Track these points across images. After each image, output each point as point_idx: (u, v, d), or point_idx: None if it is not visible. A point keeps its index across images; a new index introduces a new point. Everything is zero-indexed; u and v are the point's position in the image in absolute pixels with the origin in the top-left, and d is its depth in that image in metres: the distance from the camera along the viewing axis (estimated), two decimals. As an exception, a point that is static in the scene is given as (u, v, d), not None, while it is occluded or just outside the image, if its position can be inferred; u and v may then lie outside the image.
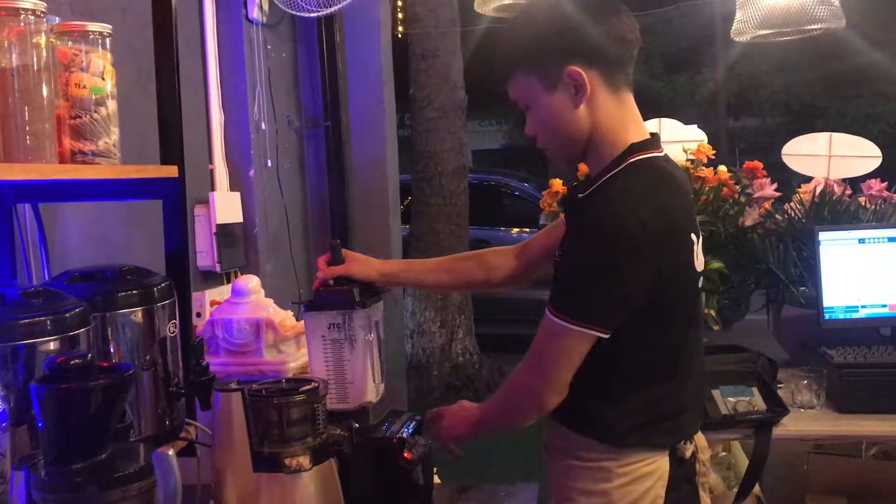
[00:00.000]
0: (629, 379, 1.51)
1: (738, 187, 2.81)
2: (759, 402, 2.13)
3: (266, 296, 1.95)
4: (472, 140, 10.75)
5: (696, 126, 2.99)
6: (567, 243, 1.48)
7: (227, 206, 3.14)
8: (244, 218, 3.26)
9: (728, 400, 2.13)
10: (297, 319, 1.91)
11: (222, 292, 2.87)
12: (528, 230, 7.87)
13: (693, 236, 1.50)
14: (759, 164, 2.88)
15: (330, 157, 3.85)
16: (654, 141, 1.54)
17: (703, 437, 1.65)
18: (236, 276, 2.69)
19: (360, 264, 1.82)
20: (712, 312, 2.64)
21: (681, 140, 2.87)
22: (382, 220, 4.14)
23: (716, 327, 2.64)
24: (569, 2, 1.50)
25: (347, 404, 1.73)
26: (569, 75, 1.47)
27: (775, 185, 2.80)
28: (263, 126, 3.40)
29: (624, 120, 1.52)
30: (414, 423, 1.77)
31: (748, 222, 2.72)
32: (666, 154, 1.57)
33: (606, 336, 1.44)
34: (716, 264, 2.63)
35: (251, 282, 1.92)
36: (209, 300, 2.76)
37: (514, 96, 1.56)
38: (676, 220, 1.48)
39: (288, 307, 1.97)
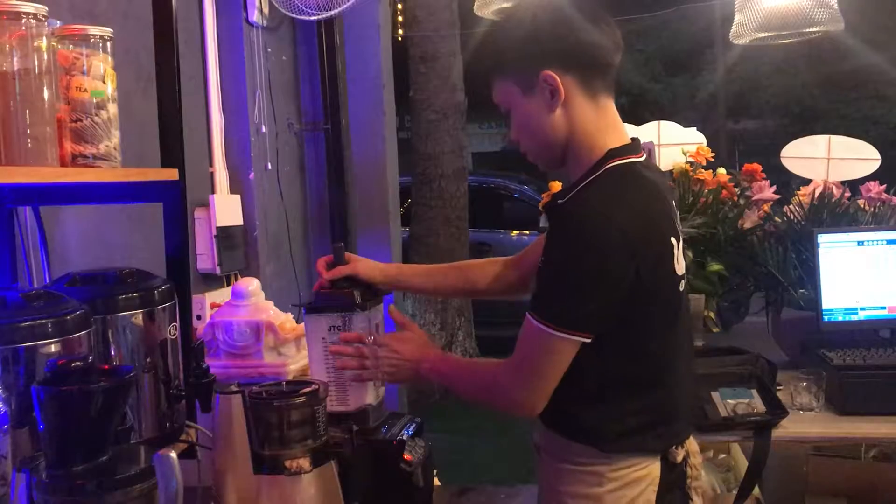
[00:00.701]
0: (617, 384, 1.50)
1: (737, 190, 2.81)
2: (758, 405, 2.13)
3: (266, 298, 1.95)
4: (471, 142, 10.76)
5: (695, 128, 3.00)
6: (547, 248, 1.49)
7: (227, 209, 3.14)
8: (244, 220, 3.26)
9: (727, 402, 2.13)
10: (298, 322, 1.92)
11: (223, 295, 2.87)
12: (528, 233, 7.87)
13: (673, 240, 1.50)
14: (758, 167, 2.89)
15: (330, 159, 3.85)
16: (633, 146, 1.55)
17: (696, 440, 1.64)
18: (236, 279, 2.69)
19: (364, 265, 1.83)
20: (712, 314, 2.64)
21: (680, 143, 2.88)
22: (382, 223, 4.13)
23: (715, 329, 2.65)
24: (548, 8, 1.52)
25: (347, 406, 1.74)
26: (544, 80, 1.49)
27: (774, 188, 2.81)
28: (263, 129, 3.40)
29: (602, 125, 1.53)
30: (414, 425, 1.77)
31: (747, 225, 2.72)
32: (646, 158, 1.58)
33: (589, 340, 1.44)
34: (715, 266, 2.64)
35: (251, 284, 1.92)
36: (209, 303, 2.76)
37: (496, 100, 1.59)
38: (655, 224, 1.48)
39: (288, 309, 1.98)
